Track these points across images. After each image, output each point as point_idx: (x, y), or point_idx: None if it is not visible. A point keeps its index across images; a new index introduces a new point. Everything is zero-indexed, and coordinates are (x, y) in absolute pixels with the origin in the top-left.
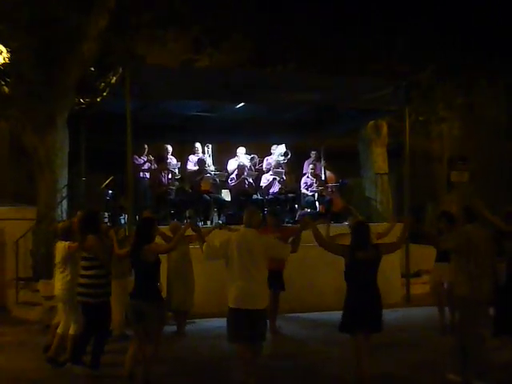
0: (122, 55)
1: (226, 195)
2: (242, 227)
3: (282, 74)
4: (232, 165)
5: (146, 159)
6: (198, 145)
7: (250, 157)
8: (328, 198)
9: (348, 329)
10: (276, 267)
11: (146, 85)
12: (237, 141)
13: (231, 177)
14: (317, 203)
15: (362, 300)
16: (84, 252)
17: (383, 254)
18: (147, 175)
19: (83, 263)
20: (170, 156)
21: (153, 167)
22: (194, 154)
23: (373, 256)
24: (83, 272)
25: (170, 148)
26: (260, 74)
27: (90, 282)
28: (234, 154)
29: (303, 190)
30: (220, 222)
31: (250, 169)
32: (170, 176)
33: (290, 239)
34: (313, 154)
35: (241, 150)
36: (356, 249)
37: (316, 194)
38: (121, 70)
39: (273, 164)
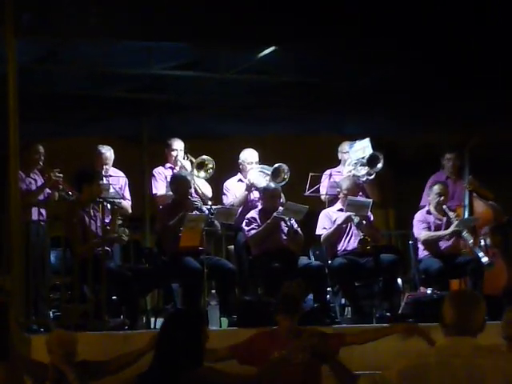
0: None
1: (233, 256)
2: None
3: None
4: (236, 189)
5: (43, 179)
6: (177, 143)
7: (267, 169)
8: (486, 260)
9: None
10: None
11: (48, 9)
12: (247, 132)
13: (247, 218)
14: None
15: None
16: None
17: None
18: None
19: None
20: (106, 167)
21: (68, 195)
22: (166, 161)
23: None
24: None
25: (106, 151)
26: None
27: None
28: (235, 167)
29: (420, 247)
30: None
31: (273, 197)
32: (109, 216)
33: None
34: (448, 159)
35: (248, 156)
36: None
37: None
38: None
39: (344, 186)
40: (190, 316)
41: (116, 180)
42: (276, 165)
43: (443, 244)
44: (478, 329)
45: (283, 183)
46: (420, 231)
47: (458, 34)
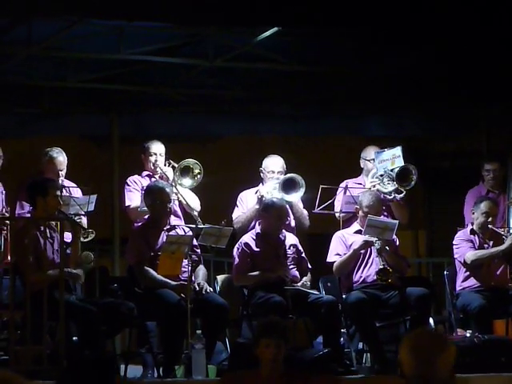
0: None
1: (225, 288)
2: None
3: None
4: (252, 202)
5: None
6: (155, 146)
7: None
8: None
9: None
10: None
11: None
12: (242, 132)
13: (239, 244)
14: None
15: None
16: None
17: None
18: None
19: None
20: (61, 175)
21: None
22: (142, 169)
23: None
24: None
25: (58, 155)
26: None
27: None
28: (238, 177)
29: (458, 279)
30: None
31: (281, 217)
32: (70, 236)
33: None
34: (487, 170)
35: (270, 164)
36: None
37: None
38: None
39: (365, 201)
40: (95, 365)
41: (75, 192)
42: (288, 175)
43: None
44: (445, 381)
45: (298, 197)
46: (465, 250)
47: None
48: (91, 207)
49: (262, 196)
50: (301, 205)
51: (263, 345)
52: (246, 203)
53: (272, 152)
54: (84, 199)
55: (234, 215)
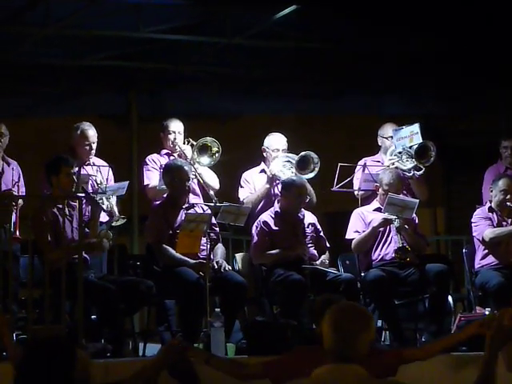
0: None
1: (244, 266)
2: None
3: None
4: (257, 181)
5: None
6: (175, 124)
7: (294, 158)
8: None
9: None
10: None
11: None
12: (260, 111)
13: (258, 222)
14: None
15: None
16: None
17: None
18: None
19: None
20: (92, 151)
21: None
22: (161, 147)
23: None
24: None
25: (90, 128)
26: None
27: None
28: (255, 156)
29: (477, 257)
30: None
31: (300, 195)
32: (87, 213)
33: None
34: (505, 147)
35: (274, 142)
36: None
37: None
38: None
39: (386, 179)
40: (56, 342)
41: (97, 170)
42: (303, 153)
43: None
44: (363, 356)
45: (312, 175)
46: (484, 228)
47: None
48: (122, 192)
49: (274, 174)
50: None
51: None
52: (253, 183)
53: (290, 131)
54: (116, 186)
55: (242, 196)
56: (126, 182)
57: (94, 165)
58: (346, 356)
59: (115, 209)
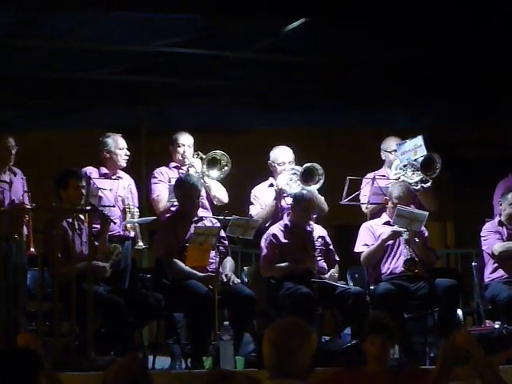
0: None
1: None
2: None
3: None
4: (266, 197)
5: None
6: (184, 138)
7: (298, 170)
8: None
9: None
10: None
11: None
12: (268, 124)
13: (267, 235)
14: None
15: None
16: None
17: None
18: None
19: None
20: (91, 170)
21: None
22: (170, 160)
23: None
24: None
25: (120, 137)
26: None
27: None
28: (264, 170)
29: (487, 270)
30: None
31: (308, 209)
32: (98, 226)
33: None
34: None
35: (279, 155)
36: None
37: None
38: None
39: (395, 193)
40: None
41: (115, 184)
42: (306, 164)
43: None
44: (305, 370)
45: (317, 187)
46: (493, 242)
47: None
48: (144, 222)
49: (281, 189)
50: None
51: (369, 340)
52: (262, 198)
53: (298, 144)
54: (146, 220)
55: (253, 212)
56: (153, 218)
57: (119, 178)
58: (285, 372)
59: (139, 234)
